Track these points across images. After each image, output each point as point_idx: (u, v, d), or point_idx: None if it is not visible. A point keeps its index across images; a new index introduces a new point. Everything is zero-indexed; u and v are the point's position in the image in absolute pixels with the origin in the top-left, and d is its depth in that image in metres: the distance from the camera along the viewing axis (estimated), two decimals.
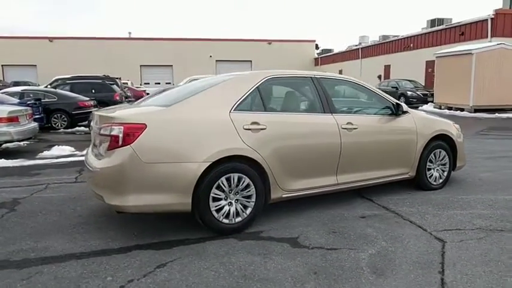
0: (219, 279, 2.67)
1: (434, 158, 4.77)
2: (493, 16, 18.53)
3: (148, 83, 36.78)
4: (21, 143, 8.94)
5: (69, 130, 12.30)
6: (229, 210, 3.39)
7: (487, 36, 18.56)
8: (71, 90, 14.29)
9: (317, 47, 42.66)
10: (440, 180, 4.86)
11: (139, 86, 31.34)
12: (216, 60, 39.49)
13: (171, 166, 3.13)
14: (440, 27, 23.88)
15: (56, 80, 17.75)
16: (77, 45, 36.84)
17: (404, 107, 4.46)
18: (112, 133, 3.13)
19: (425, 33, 24.80)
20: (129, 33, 41.37)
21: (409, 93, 19.40)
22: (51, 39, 37.34)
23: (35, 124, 8.80)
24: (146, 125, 3.10)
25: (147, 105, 3.91)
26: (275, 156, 3.55)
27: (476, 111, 15.27)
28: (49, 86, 16.21)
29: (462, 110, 15.75)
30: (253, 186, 3.47)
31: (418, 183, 4.73)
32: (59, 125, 12.38)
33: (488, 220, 3.77)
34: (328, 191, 4.02)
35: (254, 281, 2.63)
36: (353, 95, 4.53)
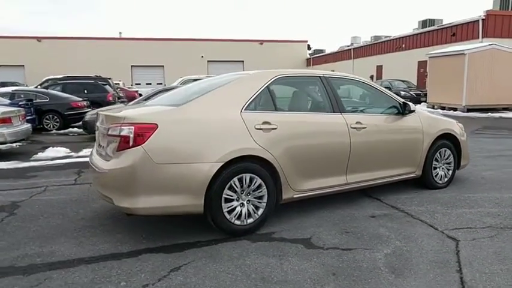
0: (237, 282, 2.60)
1: (439, 156, 4.77)
2: (484, 17, 18.76)
3: (140, 84, 36.43)
4: (14, 144, 8.76)
5: (62, 131, 12.09)
6: (241, 211, 3.33)
7: (478, 37, 18.78)
8: (63, 91, 14.05)
9: (309, 48, 42.75)
10: (446, 179, 4.86)
11: (131, 86, 31.04)
12: (208, 61, 39.31)
13: (183, 167, 3.06)
14: (432, 27, 24.11)
15: (47, 80, 17.48)
16: (66, 45, 36.32)
17: (412, 106, 4.45)
18: (122, 133, 3.04)
19: (417, 34, 25.01)
20: (120, 33, 41.03)
21: (403, 93, 19.53)
22: (39, 39, 36.74)
23: (28, 125, 8.62)
24: (157, 125, 3.02)
25: (153, 105, 3.84)
26: (286, 156, 3.50)
27: (469, 110, 15.42)
28: (39, 87, 15.93)
29: (455, 109, 15.90)
30: (265, 187, 3.41)
31: (424, 182, 4.72)
32: (51, 126, 12.15)
33: (498, 218, 3.77)
34: (338, 191, 3.98)
35: (273, 284, 2.58)
36: (360, 94, 4.50)
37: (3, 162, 6.90)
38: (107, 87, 15.78)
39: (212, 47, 39.10)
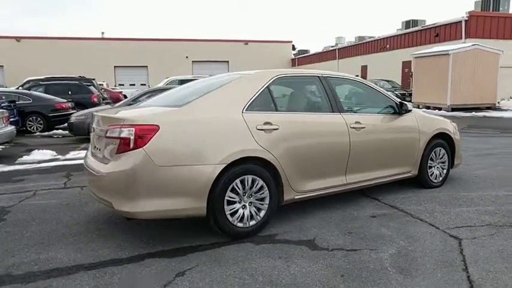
0: (245, 286, 2.55)
1: (435, 156, 4.82)
2: (467, 18, 19.16)
3: (123, 84, 35.89)
4: None
5: (46, 133, 11.79)
6: (243, 213, 3.28)
7: (461, 38, 19.17)
8: (46, 92, 13.71)
9: (294, 48, 42.93)
10: (440, 178, 4.90)
11: (114, 87, 30.56)
12: (193, 61, 39.04)
13: (185, 169, 2.99)
14: (416, 28, 24.53)
15: (28, 81, 17.02)
16: (46, 45, 35.52)
17: (409, 105, 4.47)
18: (121, 135, 2.95)
19: (401, 35, 25.40)
20: (102, 33, 40.35)
21: (388, 93, 19.75)
22: (18, 38, 35.82)
23: (12, 127, 8.36)
24: (159, 127, 2.94)
25: (150, 106, 3.75)
26: (287, 157, 3.46)
27: (453, 110, 15.72)
28: (21, 88, 15.51)
29: (440, 109, 16.17)
30: (266, 188, 3.36)
31: (420, 181, 4.75)
32: (35, 128, 11.84)
33: (495, 216, 3.81)
34: (338, 191, 3.96)
35: (282, 287, 2.53)
36: (358, 94, 4.51)
37: None
38: (92, 88, 15.47)
39: (197, 47, 38.84)
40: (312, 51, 41.63)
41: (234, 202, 3.23)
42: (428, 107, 16.84)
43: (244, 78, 3.66)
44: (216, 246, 3.18)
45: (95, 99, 14.63)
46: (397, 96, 19.65)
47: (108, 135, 3.09)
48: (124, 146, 2.94)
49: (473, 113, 15.26)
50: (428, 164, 4.75)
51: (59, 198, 4.72)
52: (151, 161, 2.89)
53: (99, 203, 4.29)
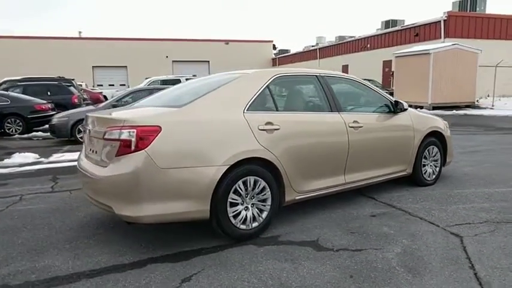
0: None
1: (428, 154, 4.87)
2: (445, 18, 19.61)
3: (102, 85, 35.21)
4: None
5: (26, 136, 11.42)
6: (246, 215, 3.22)
7: (440, 37, 19.61)
8: (24, 93, 13.28)
9: (274, 48, 43.00)
10: (433, 176, 4.96)
11: (93, 87, 29.92)
12: (173, 61, 38.62)
13: (188, 171, 2.90)
14: (396, 28, 24.93)
15: (5, 82, 16.44)
16: (21, 45, 34.43)
17: (405, 104, 4.50)
18: (122, 137, 2.84)
19: (381, 34, 25.77)
20: (80, 32, 39.46)
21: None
22: None
23: None
24: (161, 128, 2.85)
25: (146, 106, 3.65)
26: (289, 157, 3.43)
27: (434, 108, 16.03)
28: None
29: (421, 107, 16.45)
30: (268, 189, 3.32)
31: (414, 179, 4.79)
32: (14, 131, 11.45)
33: (492, 213, 3.87)
34: (337, 191, 3.95)
35: None
36: (354, 93, 4.51)
37: None
38: (72, 88, 15.10)
39: (177, 47, 38.45)
40: (292, 51, 41.76)
41: (237, 204, 3.17)
42: (409, 106, 17.11)
43: (244, 78, 3.60)
44: (219, 249, 3.11)
45: (76, 100, 14.28)
46: None
47: (106, 137, 2.98)
48: (124, 148, 2.83)
49: (454, 111, 15.62)
50: (422, 162, 4.80)
51: (47, 202, 4.55)
52: (154, 164, 2.80)
53: (92, 207, 4.19)
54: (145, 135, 2.81)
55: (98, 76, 37.34)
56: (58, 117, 9.89)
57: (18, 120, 11.52)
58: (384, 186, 4.73)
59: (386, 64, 23.52)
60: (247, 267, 2.80)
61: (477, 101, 18.05)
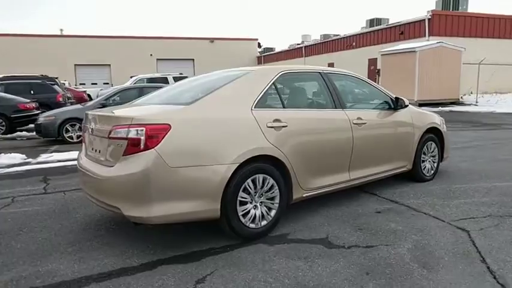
0: None
1: (426, 150, 4.91)
2: (430, 16, 19.91)
3: (84, 84, 34.55)
4: None
5: (9, 136, 11.09)
6: (255, 213, 3.17)
7: (425, 35, 19.90)
8: (6, 92, 12.88)
9: (259, 46, 42.96)
10: (432, 172, 5.01)
11: (76, 86, 29.32)
12: (157, 59, 38.15)
13: (198, 170, 2.83)
14: (381, 26, 25.17)
15: None
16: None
17: (406, 101, 4.52)
18: (130, 136, 2.75)
19: (366, 32, 25.99)
20: (61, 30, 38.63)
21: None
22: None
23: None
24: (170, 126, 2.77)
25: (150, 104, 3.56)
26: (296, 154, 3.39)
27: (420, 105, 16.23)
28: None
29: None
30: (277, 187, 3.27)
31: (413, 175, 4.82)
32: None
33: (493, 207, 3.92)
34: (342, 188, 3.94)
35: None
36: (357, 90, 4.51)
37: None
38: (56, 87, 14.73)
39: (161, 45, 38.00)
40: (277, 49, 41.79)
41: (246, 202, 3.12)
42: None
43: (250, 75, 3.54)
44: (229, 249, 3.05)
45: (60, 99, 13.94)
46: None
47: (112, 135, 2.88)
48: (133, 147, 2.74)
49: (440, 107, 15.88)
50: (422, 158, 4.83)
51: (41, 204, 4.40)
52: (164, 162, 2.71)
53: (90, 208, 4.08)
54: (155, 134, 2.72)
55: (80, 75, 36.59)
56: (44, 117, 9.63)
57: (1, 120, 11.17)
58: (383, 182, 4.75)
59: (372, 62, 23.76)
60: (260, 266, 2.75)
61: (461, 97, 18.40)
